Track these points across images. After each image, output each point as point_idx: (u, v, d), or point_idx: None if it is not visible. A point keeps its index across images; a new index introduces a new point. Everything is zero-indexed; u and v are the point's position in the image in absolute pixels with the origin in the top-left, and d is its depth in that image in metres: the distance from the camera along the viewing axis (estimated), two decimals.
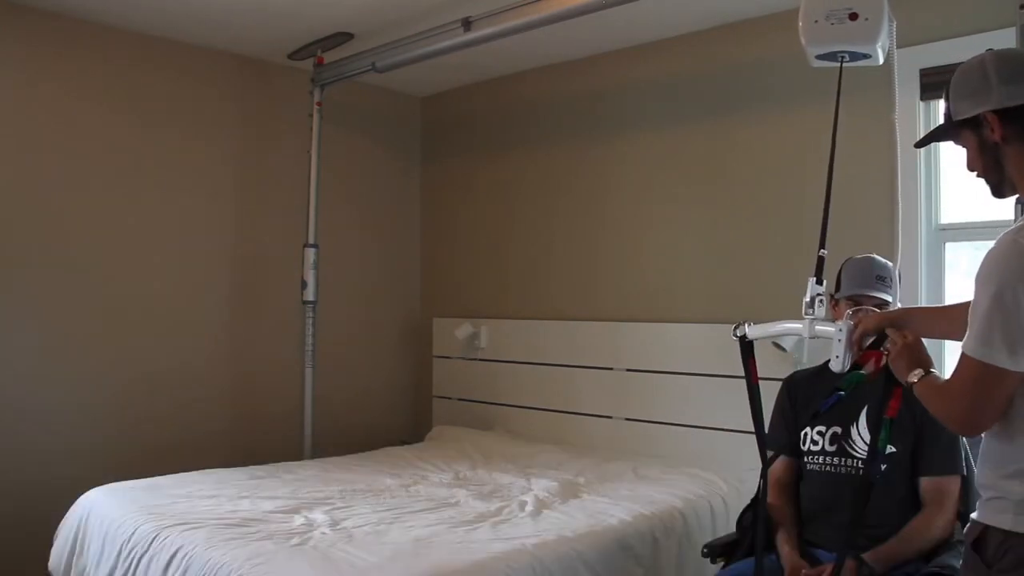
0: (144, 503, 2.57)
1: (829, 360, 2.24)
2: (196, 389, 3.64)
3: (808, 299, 1.87)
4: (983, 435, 1.45)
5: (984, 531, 1.40)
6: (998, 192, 1.50)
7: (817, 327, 1.86)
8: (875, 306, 2.09)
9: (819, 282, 1.88)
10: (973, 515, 1.45)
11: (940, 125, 1.56)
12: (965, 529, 1.48)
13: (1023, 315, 1.30)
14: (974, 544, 1.42)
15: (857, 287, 2.12)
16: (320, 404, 3.79)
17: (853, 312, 1.90)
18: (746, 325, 1.99)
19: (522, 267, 4.05)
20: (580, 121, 3.84)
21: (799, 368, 2.56)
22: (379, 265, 4.38)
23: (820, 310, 1.86)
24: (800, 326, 1.90)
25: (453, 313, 4.30)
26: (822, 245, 1.95)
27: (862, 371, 1.74)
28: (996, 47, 2.59)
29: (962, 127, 1.49)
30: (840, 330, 1.74)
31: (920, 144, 1.67)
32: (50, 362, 3.25)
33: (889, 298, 2.12)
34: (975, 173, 1.52)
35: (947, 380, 1.47)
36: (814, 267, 1.97)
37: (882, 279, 2.13)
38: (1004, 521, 1.37)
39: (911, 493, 2.02)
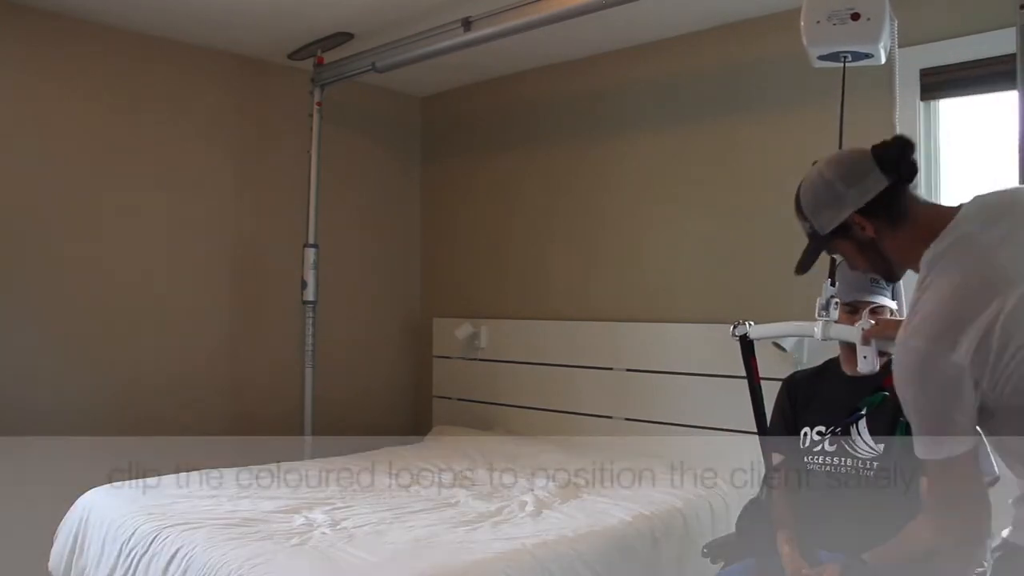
0: (144, 503, 2.57)
1: (830, 360, 2.25)
2: (196, 389, 3.63)
3: (823, 301, 1.89)
4: None
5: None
6: (892, 277, 1.60)
7: (833, 329, 1.88)
8: (872, 308, 2.09)
9: (833, 284, 1.90)
10: (1004, 532, 1.45)
11: (810, 245, 1.63)
12: (994, 548, 1.48)
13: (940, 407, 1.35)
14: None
15: (855, 292, 2.12)
16: (320, 404, 3.78)
17: (870, 312, 1.90)
18: (747, 324, 1.99)
19: (522, 267, 4.05)
20: (580, 121, 3.84)
21: (799, 368, 2.56)
22: (379, 265, 4.38)
23: (835, 313, 1.88)
24: (810, 326, 1.92)
25: (453, 313, 4.30)
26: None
27: (885, 392, 1.75)
28: (995, 47, 2.60)
29: (832, 237, 1.57)
30: (864, 330, 1.76)
31: (800, 271, 1.69)
32: (50, 361, 3.25)
33: (886, 301, 2.12)
34: (860, 270, 1.62)
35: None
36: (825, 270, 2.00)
37: (876, 281, 2.13)
38: None
39: (911, 492, 2.01)
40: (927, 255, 1.41)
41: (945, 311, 1.34)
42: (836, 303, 1.88)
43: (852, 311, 2.11)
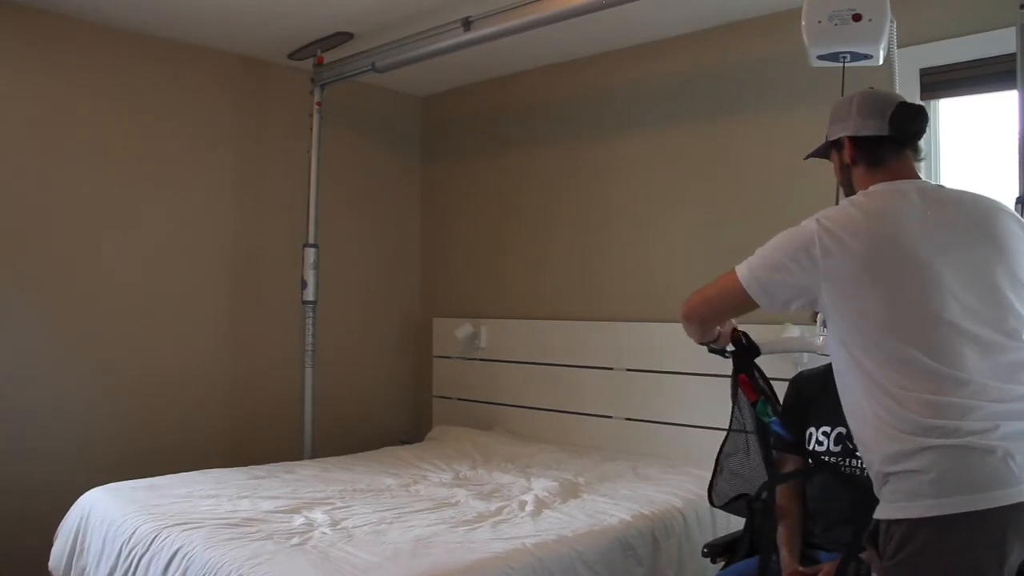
0: (144, 503, 2.57)
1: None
2: (196, 389, 3.64)
3: (824, 316, 1.91)
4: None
5: (876, 525, 1.52)
6: None
7: None
8: None
9: None
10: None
11: (823, 144, 1.84)
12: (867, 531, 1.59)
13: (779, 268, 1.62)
14: (871, 539, 1.53)
15: None
16: (320, 404, 3.78)
17: None
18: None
19: (522, 267, 4.05)
20: (580, 121, 3.84)
21: (798, 368, 2.56)
22: (379, 265, 4.38)
23: None
24: (813, 340, 1.96)
25: (453, 313, 4.30)
26: None
27: None
28: (995, 47, 2.61)
29: (831, 147, 1.80)
30: None
31: (807, 157, 1.92)
32: (50, 362, 3.25)
33: None
34: (837, 180, 1.83)
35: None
36: None
37: None
38: (882, 512, 1.49)
39: None
40: (871, 187, 1.67)
41: (840, 225, 1.57)
42: None
43: None
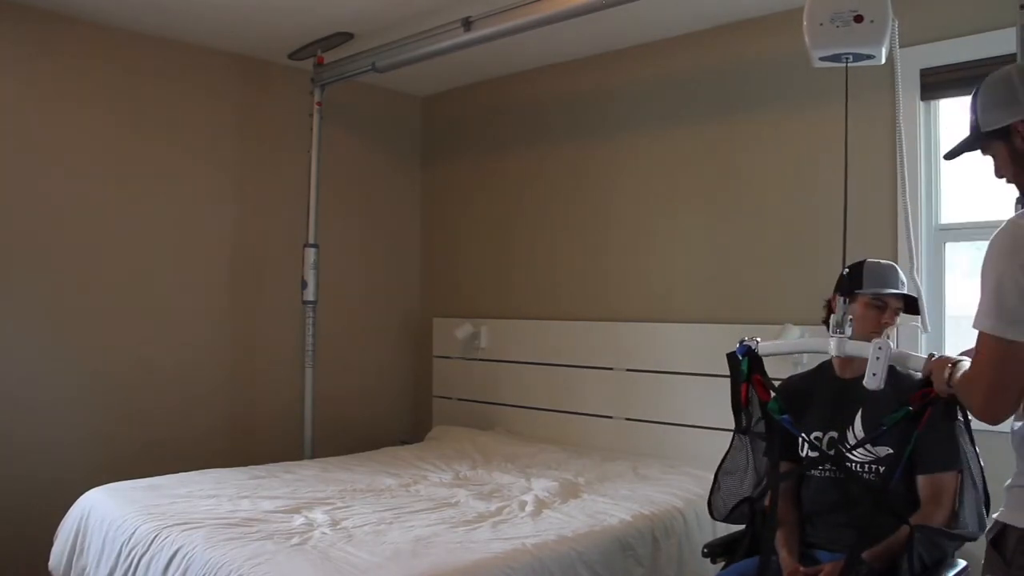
0: (144, 503, 2.57)
1: (823, 363, 2.25)
2: (196, 389, 3.63)
3: (838, 318, 1.94)
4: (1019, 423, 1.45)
5: (1003, 529, 1.41)
6: None
7: (848, 346, 1.93)
8: (898, 307, 2.11)
9: (847, 301, 1.95)
10: (994, 514, 1.46)
11: (968, 136, 1.58)
12: (988, 528, 1.49)
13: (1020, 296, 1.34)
14: (993, 541, 1.43)
15: (882, 285, 2.12)
16: (320, 404, 3.78)
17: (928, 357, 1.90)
18: (756, 340, 2.01)
19: (522, 267, 4.05)
20: (580, 121, 3.84)
21: (798, 369, 2.56)
22: (379, 265, 4.38)
23: (849, 330, 1.94)
24: (824, 342, 1.97)
25: (453, 313, 4.30)
26: (845, 264, 2.00)
27: (910, 408, 1.82)
28: (995, 47, 2.60)
29: (990, 138, 1.52)
30: (879, 348, 1.77)
31: (950, 156, 1.65)
32: (51, 364, 3.25)
33: (914, 294, 2.15)
34: (1003, 179, 1.55)
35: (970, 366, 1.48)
36: (834, 284, 2.10)
37: (904, 285, 2.16)
38: (1021, 519, 1.38)
39: (908, 491, 2.01)
40: None
41: None
42: (851, 320, 1.92)
43: (880, 308, 2.10)
